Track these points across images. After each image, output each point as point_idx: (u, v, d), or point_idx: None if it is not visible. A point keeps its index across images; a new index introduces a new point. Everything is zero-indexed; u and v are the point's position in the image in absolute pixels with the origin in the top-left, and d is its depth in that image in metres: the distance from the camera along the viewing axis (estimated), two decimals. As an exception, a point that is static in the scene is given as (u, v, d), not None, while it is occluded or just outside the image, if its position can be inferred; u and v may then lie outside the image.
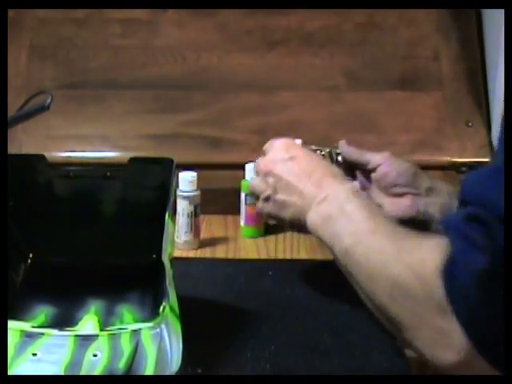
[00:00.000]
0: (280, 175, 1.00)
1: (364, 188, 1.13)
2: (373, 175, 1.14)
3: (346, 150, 1.16)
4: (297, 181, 0.97)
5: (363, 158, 1.16)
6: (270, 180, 1.01)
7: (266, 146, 1.07)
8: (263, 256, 1.31)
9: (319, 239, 0.93)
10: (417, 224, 1.08)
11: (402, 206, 1.10)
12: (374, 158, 1.15)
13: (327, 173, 0.97)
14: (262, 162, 1.04)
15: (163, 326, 0.84)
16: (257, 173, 1.06)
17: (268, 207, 1.03)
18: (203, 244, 1.35)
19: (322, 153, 1.15)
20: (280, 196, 1.00)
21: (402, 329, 0.74)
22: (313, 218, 0.93)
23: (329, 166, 1.01)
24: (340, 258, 0.86)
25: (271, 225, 1.38)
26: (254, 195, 1.07)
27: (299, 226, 0.98)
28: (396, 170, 1.13)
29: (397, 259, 0.75)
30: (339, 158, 1.16)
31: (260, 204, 1.04)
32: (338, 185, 0.94)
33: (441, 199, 1.10)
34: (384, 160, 1.14)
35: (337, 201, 0.90)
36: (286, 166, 1.00)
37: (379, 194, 1.13)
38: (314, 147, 1.13)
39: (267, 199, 1.02)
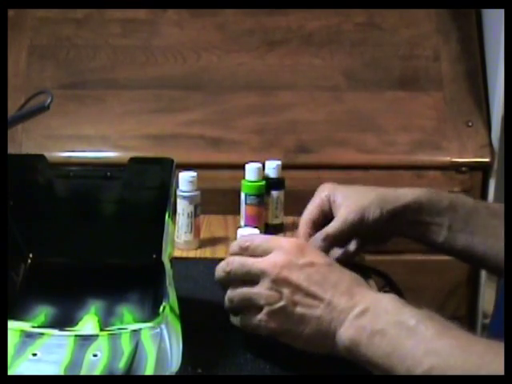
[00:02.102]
0: (298, 284, 0.82)
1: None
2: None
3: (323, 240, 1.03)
4: (321, 291, 0.81)
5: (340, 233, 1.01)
6: (285, 289, 0.82)
7: (262, 245, 0.86)
8: (263, 256, 1.31)
9: (356, 357, 0.78)
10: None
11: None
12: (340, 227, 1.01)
13: (353, 281, 0.83)
14: (269, 264, 0.83)
15: (163, 326, 0.84)
16: (256, 275, 0.84)
17: (277, 321, 0.83)
18: (203, 244, 1.35)
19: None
20: (299, 309, 0.81)
21: None
22: (350, 334, 0.78)
23: (351, 273, 0.85)
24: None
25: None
26: (254, 305, 0.85)
27: (320, 344, 0.82)
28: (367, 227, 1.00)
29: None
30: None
31: (263, 317, 0.84)
32: (374, 295, 0.81)
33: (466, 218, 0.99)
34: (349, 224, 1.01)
35: (385, 313, 0.77)
36: (304, 273, 0.82)
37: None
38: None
39: (277, 312, 0.83)
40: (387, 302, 0.78)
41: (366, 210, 1.00)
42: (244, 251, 0.87)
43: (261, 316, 0.84)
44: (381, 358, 0.75)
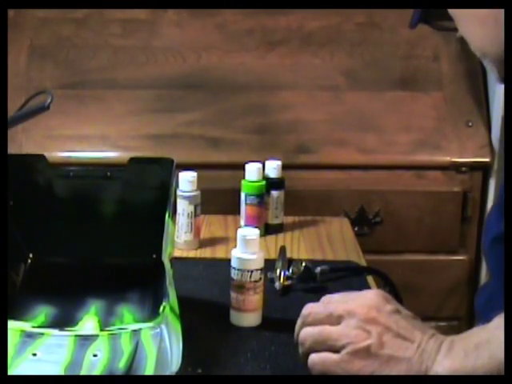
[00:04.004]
0: (388, 325, 0.81)
1: None
2: None
3: None
4: (410, 334, 0.80)
5: None
6: (374, 329, 0.81)
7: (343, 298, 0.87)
8: (263, 256, 1.32)
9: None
10: None
11: None
12: None
13: (436, 330, 0.83)
14: (357, 306, 0.83)
15: (163, 326, 0.84)
16: (339, 316, 0.83)
17: (360, 362, 0.80)
18: (203, 244, 1.35)
19: (303, 264, 1.13)
20: (387, 350, 0.80)
21: None
22: (448, 364, 0.77)
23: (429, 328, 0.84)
24: None
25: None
26: (333, 344, 0.82)
27: None
28: None
29: None
30: (317, 270, 1.13)
31: (345, 357, 0.81)
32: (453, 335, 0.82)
33: None
34: None
35: (469, 335, 0.79)
36: (392, 317, 0.82)
37: None
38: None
39: (362, 351, 0.80)
40: (469, 335, 0.79)
41: None
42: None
43: (341, 356, 0.81)
44: (486, 362, 0.75)
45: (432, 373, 0.77)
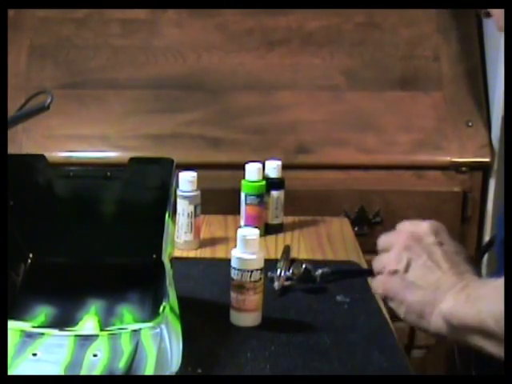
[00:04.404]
0: (420, 254, 0.89)
1: None
2: None
3: None
4: (436, 267, 0.88)
5: None
6: (406, 255, 0.90)
7: (405, 227, 0.95)
8: (263, 256, 1.31)
9: (450, 327, 0.83)
10: None
11: None
12: None
13: (470, 267, 0.89)
14: (404, 235, 0.92)
15: (163, 326, 0.84)
16: (389, 246, 0.93)
17: (391, 284, 0.89)
18: (203, 244, 1.35)
19: (304, 265, 1.14)
20: (410, 275, 0.88)
21: None
22: (450, 305, 0.84)
23: (472, 262, 0.91)
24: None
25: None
26: (377, 268, 0.93)
27: (418, 315, 0.87)
28: None
29: None
30: (318, 272, 1.14)
31: (382, 278, 0.91)
32: (477, 278, 0.87)
33: None
34: None
35: (479, 287, 0.83)
36: (430, 248, 0.90)
37: None
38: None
39: (392, 275, 0.90)
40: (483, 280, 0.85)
41: None
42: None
43: (381, 276, 0.92)
44: (473, 315, 0.80)
45: (437, 308, 0.84)
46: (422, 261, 0.88)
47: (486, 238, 1.70)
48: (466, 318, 0.81)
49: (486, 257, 1.38)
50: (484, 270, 1.72)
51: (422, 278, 0.87)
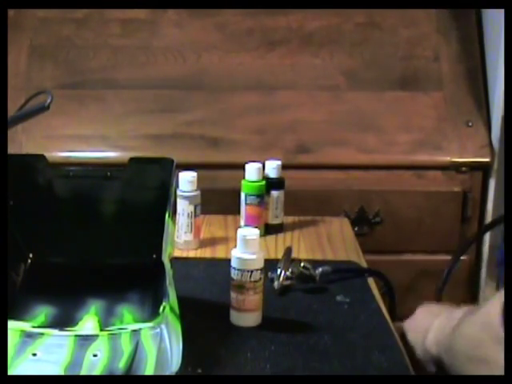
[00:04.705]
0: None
1: None
2: None
3: None
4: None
5: None
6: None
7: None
8: (263, 256, 1.31)
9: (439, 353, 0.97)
10: None
11: None
12: None
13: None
14: None
15: (163, 326, 0.84)
16: None
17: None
18: (203, 244, 1.35)
19: (303, 265, 1.15)
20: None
21: None
22: (433, 337, 1.01)
23: None
24: None
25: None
26: None
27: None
28: None
29: None
30: (317, 271, 1.16)
31: None
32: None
33: None
34: None
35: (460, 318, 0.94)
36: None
37: None
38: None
39: None
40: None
41: None
42: None
43: None
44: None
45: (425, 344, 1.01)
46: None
47: (486, 237, 1.70)
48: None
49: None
50: (483, 273, 1.73)
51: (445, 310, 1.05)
